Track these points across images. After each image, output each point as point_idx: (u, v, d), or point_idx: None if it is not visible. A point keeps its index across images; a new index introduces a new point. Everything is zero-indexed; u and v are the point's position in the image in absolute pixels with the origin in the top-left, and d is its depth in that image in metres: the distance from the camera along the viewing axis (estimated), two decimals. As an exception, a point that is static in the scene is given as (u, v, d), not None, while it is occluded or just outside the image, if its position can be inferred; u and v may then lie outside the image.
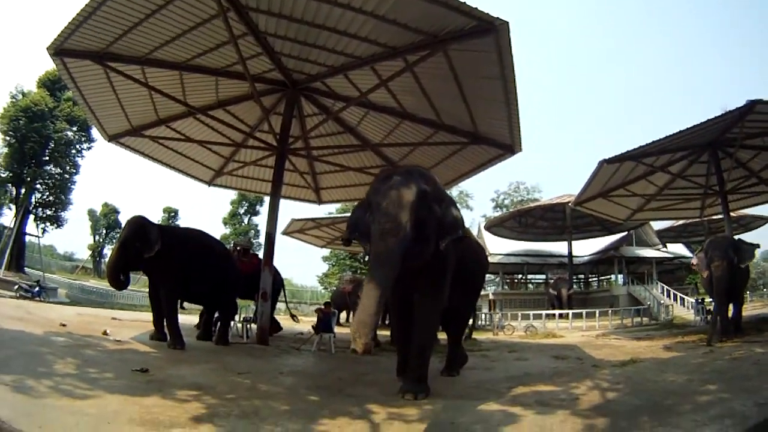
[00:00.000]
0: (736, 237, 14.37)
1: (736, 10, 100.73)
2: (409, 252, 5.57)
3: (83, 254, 52.67)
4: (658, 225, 34.39)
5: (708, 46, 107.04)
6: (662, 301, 24.77)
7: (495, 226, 35.96)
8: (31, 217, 31.65)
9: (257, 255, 15.42)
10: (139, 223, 9.90)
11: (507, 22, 8.13)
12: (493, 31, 8.35)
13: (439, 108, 12.27)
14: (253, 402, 5.63)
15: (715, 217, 21.95)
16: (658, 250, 34.98)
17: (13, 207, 31.47)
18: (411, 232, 5.56)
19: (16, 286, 19.19)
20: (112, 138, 14.64)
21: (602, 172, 15.42)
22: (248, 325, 13.02)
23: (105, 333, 10.08)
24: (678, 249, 36.77)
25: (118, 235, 10.06)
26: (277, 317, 15.23)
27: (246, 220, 48.97)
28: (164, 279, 9.81)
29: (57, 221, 33.38)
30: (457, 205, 7.08)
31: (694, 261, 12.89)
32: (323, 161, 16.69)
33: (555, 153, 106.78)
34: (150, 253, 9.48)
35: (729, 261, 11.38)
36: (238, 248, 14.79)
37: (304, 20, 9.68)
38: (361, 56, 10.72)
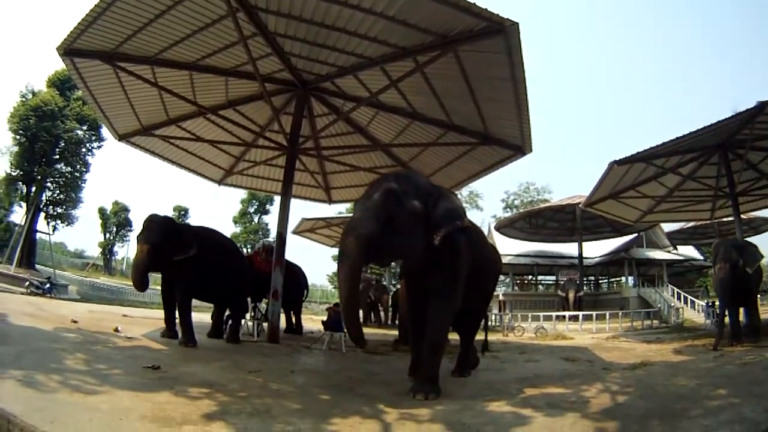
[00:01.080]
0: (746, 239, 14.25)
1: (747, 11, 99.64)
2: (381, 246, 5.88)
3: (94, 251, 53.32)
4: (668, 227, 34.15)
5: (719, 46, 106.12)
6: (672, 304, 24.58)
7: (505, 227, 35.88)
8: (42, 214, 32.00)
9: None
10: (170, 224, 9.98)
11: (517, 23, 8.11)
12: (503, 32, 8.33)
13: (449, 108, 12.26)
14: (264, 400, 5.65)
15: (725, 219, 21.83)
16: (669, 252, 34.75)
17: (24, 205, 31.76)
18: (375, 227, 5.80)
19: (27, 283, 19.38)
20: (123, 137, 14.75)
21: (612, 174, 15.36)
22: (259, 323, 13.03)
23: (116, 330, 10.13)
24: (688, 251, 36.53)
25: (142, 234, 9.50)
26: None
27: (256, 219, 49.15)
28: (180, 277, 9.77)
29: (67, 219, 33.77)
30: (455, 198, 7.17)
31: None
32: (333, 161, 16.72)
33: (565, 153, 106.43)
34: (184, 255, 9.49)
35: (732, 264, 11.26)
36: (265, 248, 14.79)
37: (313, 21, 9.70)
38: (371, 57, 10.73)
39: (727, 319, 11.62)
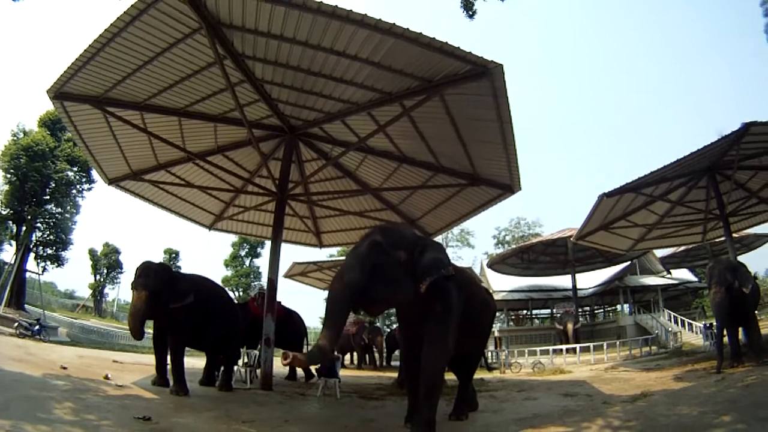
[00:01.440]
0: (739, 258, 14.30)
1: (736, 24, 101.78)
2: (367, 293, 6.21)
3: (84, 292, 52.57)
4: (661, 252, 34.25)
5: (703, 72, 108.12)
6: (670, 329, 24.59)
7: (497, 264, 36.01)
8: (32, 255, 31.64)
9: (280, 302, 15.43)
10: (168, 271, 9.96)
11: (501, 65, 8.24)
12: (487, 74, 8.45)
13: (437, 151, 12.36)
14: (258, 454, 5.54)
15: (717, 240, 21.95)
16: (663, 276, 34.79)
17: (14, 244, 31.49)
18: (360, 275, 6.17)
19: (16, 324, 18.98)
20: (112, 181, 14.69)
21: (602, 206, 15.49)
22: (252, 371, 12.84)
23: (106, 377, 9.97)
24: (682, 274, 36.73)
25: (139, 280, 9.33)
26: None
27: (247, 263, 48.77)
28: (174, 325, 9.64)
29: (57, 260, 33.36)
30: (441, 248, 7.34)
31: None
32: (323, 206, 16.68)
33: (554, 186, 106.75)
34: (181, 303, 9.42)
35: (727, 286, 11.28)
36: (261, 293, 14.58)
37: (300, 68, 9.82)
38: (358, 102, 10.85)
39: (726, 340, 11.62)
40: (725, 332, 11.76)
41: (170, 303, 9.35)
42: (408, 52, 8.52)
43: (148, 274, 9.47)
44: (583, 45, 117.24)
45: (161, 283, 9.38)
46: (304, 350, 15.55)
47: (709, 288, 11.87)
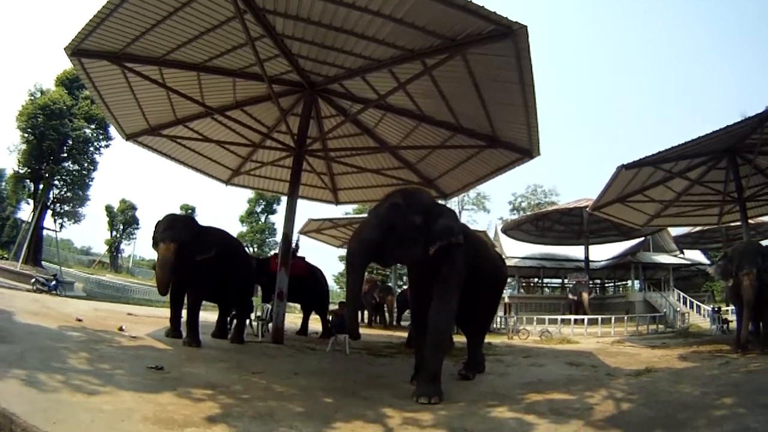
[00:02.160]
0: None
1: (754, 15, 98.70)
2: (381, 249, 6.89)
3: (100, 249, 53.50)
4: (675, 231, 33.92)
5: (728, 48, 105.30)
6: (678, 309, 24.52)
7: (512, 230, 35.83)
8: (49, 212, 31.98)
9: (303, 258, 15.54)
10: (195, 223, 10.03)
11: (525, 26, 8.05)
12: (511, 35, 8.27)
13: (457, 111, 12.22)
14: (267, 403, 5.65)
15: (733, 224, 21.70)
16: (675, 256, 34.49)
17: (32, 202, 31.83)
18: (377, 234, 6.83)
19: (33, 280, 19.36)
20: (130, 137, 14.80)
21: (620, 178, 15.28)
22: (264, 324, 13.03)
23: (120, 329, 10.14)
24: (695, 255, 36.38)
25: (166, 233, 9.15)
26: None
27: (263, 219, 49.13)
28: (194, 278, 9.66)
29: (75, 217, 33.86)
30: (454, 217, 7.80)
31: (711, 270, 12.62)
32: (341, 162, 16.70)
33: (572, 156, 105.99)
34: (206, 256, 9.42)
35: (759, 269, 10.84)
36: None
37: (321, 23, 9.68)
38: (379, 59, 10.71)
39: (734, 324, 11.46)
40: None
41: (197, 255, 9.33)
42: (431, 9, 8.34)
43: (175, 226, 9.41)
44: (611, 8, 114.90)
45: (189, 234, 9.37)
46: (328, 306, 15.84)
47: (738, 269, 11.22)
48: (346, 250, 7.35)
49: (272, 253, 16.69)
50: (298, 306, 18.53)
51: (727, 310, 19.65)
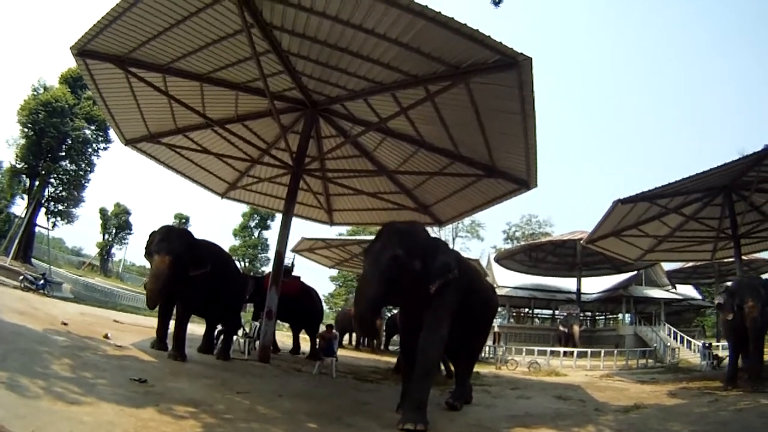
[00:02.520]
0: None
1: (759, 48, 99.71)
2: (387, 299, 7.48)
3: (91, 250, 52.97)
4: (668, 266, 34.04)
5: (726, 86, 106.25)
6: (669, 344, 24.43)
7: (505, 259, 35.98)
8: (43, 209, 31.81)
9: (299, 278, 15.47)
10: (190, 236, 9.91)
11: (530, 58, 8.14)
12: (515, 66, 8.35)
13: (457, 139, 12.26)
14: (250, 424, 5.57)
15: (726, 259, 21.76)
16: (668, 290, 34.60)
17: (26, 198, 31.66)
18: (382, 289, 6.83)
19: (21, 277, 19.09)
20: (129, 142, 14.76)
21: (616, 212, 15.39)
22: (251, 342, 12.90)
23: (106, 336, 10.06)
24: (687, 290, 36.42)
25: (161, 245, 9.01)
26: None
27: (256, 234, 48.90)
28: (188, 291, 9.58)
29: (68, 216, 33.62)
30: (449, 251, 7.98)
31: (718, 299, 12.56)
32: (338, 183, 16.69)
33: (569, 188, 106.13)
34: (200, 271, 9.35)
35: (763, 303, 10.93)
36: (287, 270, 14.66)
37: (327, 42, 9.73)
38: (383, 82, 10.77)
39: (727, 360, 11.41)
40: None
41: (191, 270, 9.24)
42: (437, 36, 8.41)
43: (170, 238, 9.28)
44: (611, 39, 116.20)
45: (185, 248, 9.26)
46: (319, 328, 15.73)
47: (741, 302, 11.26)
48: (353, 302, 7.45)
49: (268, 271, 16.60)
50: (287, 324, 18.42)
51: (718, 346, 19.65)
